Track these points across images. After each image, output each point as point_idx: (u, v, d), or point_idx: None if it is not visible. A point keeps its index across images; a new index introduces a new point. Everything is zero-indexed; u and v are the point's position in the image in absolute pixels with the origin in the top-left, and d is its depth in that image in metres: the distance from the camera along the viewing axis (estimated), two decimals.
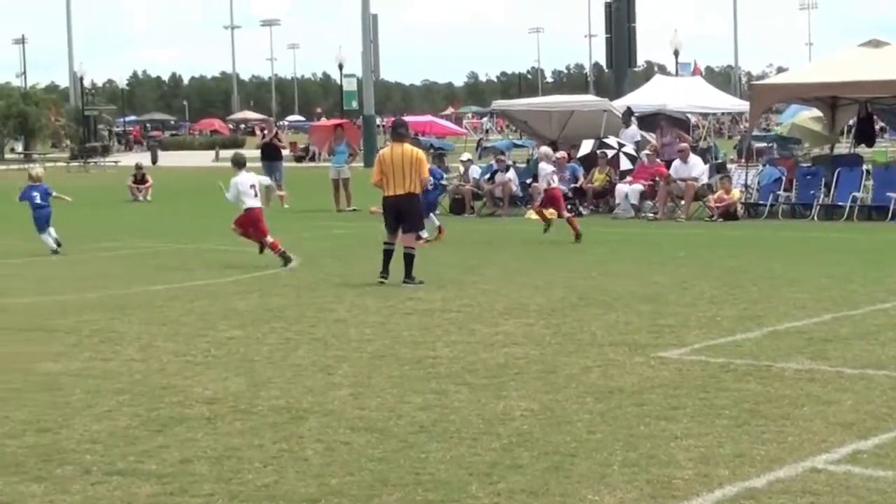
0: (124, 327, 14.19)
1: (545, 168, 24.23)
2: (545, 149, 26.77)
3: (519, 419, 9.34)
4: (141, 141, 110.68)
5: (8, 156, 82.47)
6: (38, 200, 23.31)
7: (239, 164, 20.83)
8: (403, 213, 17.68)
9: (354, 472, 8.04)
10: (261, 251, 20.52)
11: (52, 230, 23.24)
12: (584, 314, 14.39)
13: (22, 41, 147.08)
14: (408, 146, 18.18)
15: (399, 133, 18.30)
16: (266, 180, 21.79)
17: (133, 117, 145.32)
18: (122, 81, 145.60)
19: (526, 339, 12.85)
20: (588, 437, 8.78)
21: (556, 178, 24.42)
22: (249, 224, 20.46)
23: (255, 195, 20.33)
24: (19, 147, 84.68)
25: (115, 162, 70.22)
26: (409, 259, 17.49)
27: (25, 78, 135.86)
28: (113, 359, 12.28)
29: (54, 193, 23.83)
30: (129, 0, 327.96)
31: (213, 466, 8.24)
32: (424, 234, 22.50)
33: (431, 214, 24.70)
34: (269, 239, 20.34)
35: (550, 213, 23.88)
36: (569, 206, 29.70)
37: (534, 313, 14.51)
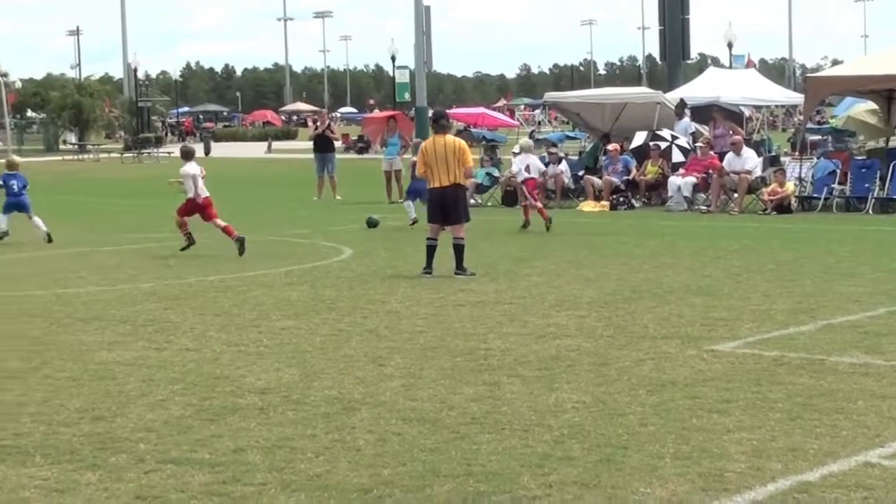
0: (178, 317, 14.28)
1: (520, 161, 25.57)
2: (525, 141, 28.22)
3: (571, 411, 9.34)
4: (193, 132, 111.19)
5: (62, 147, 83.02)
6: (15, 189, 24.06)
7: (188, 155, 22.09)
8: (448, 205, 17.68)
9: (406, 463, 8.06)
10: (185, 247, 21.15)
11: (37, 219, 23.82)
12: (637, 307, 14.36)
13: (77, 33, 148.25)
14: (450, 137, 18.23)
15: (440, 124, 18.32)
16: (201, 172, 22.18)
17: (186, 108, 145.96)
18: (175, 73, 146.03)
19: (578, 331, 12.84)
20: (640, 429, 8.77)
21: (535, 168, 25.80)
22: (195, 211, 21.37)
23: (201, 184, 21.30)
24: (72, 138, 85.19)
25: (169, 153, 70.51)
26: (459, 250, 17.50)
27: (80, 69, 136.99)
28: (167, 348, 12.36)
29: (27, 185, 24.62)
30: None
31: (265, 456, 8.28)
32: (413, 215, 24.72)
33: (410, 202, 25.53)
34: (222, 223, 21.24)
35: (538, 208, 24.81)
36: (621, 199, 29.73)
37: (586, 305, 14.49)
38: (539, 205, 25.19)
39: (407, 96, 68.92)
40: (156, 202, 36.07)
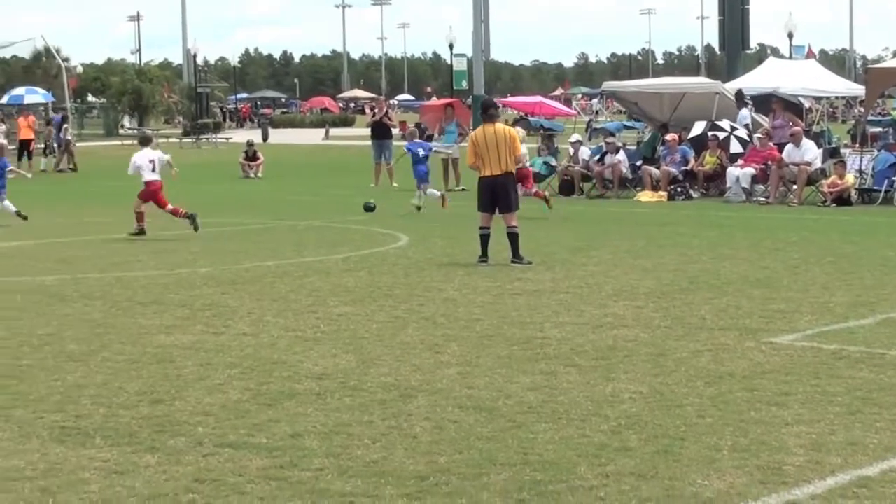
0: (236, 302, 14.35)
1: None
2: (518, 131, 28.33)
3: (628, 402, 9.31)
4: (251, 118, 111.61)
5: (122, 132, 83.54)
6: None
7: (143, 141, 23.49)
8: (499, 193, 17.69)
9: (463, 451, 8.06)
10: (137, 233, 21.77)
11: (8, 203, 24.64)
12: (695, 298, 14.30)
13: (137, 18, 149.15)
14: (500, 125, 18.23)
15: (489, 114, 18.32)
16: (166, 157, 23.18)
17: (244, 95, 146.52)
18: (234, 59, 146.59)
19: (635, 321, 12.80)
20: (698, 421, 8.74)
21: (526, 158, 26.15)
22: (149, 196, 22.14)
23: (154, 169, 22.25)
24: (129, 122, 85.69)
25: (227, 139, 70.88)
26: (514, 238, 17.49)
27: (140, 55, 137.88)
28: (224, 333, 12.42)
29: (11, 167, 25.85)
30: None
31: (322, 441, 8.31)
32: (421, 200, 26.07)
33: (423, 186, 26.64)
34: (170, 206, 22.18)
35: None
36: (679, 189, 29.60)
37: (643, 296, 14.44)
38: (534, 191, 25.71)
39: (464, 84, 68.94)
40: (214, 187, 36.30)
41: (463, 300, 14.35)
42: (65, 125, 47.76)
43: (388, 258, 18.45)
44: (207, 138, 71.58)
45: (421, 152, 27.43)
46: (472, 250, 17.90)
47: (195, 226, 21.79)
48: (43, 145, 48.89)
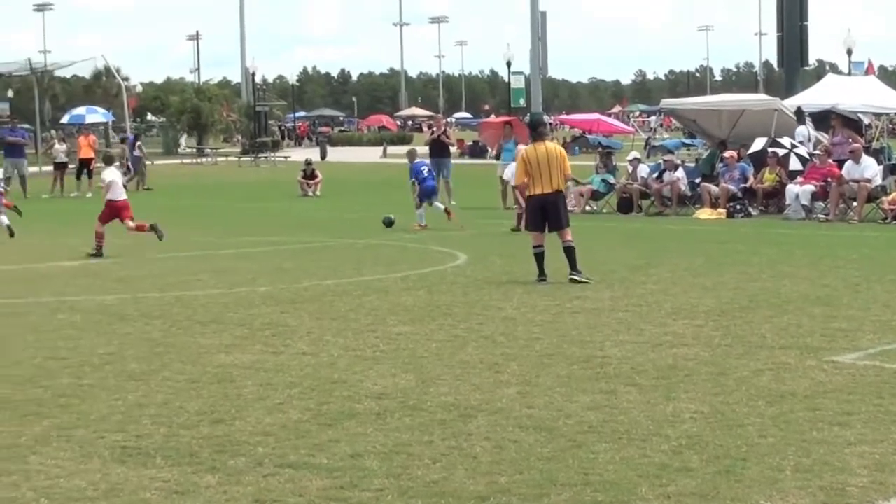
0: (295, 321, 14.38)
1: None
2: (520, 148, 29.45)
3: (689, 421, 9.26)
4: (309, 136, 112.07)
5: (181, 150, 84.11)
6: None
7: (108, 160, 23.88)
8: (550, 211, 17.73)
9: (523, 471, 8.04)
10: (95, 254, 21.88)
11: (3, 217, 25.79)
12: (755, 316, 14.21)
13: (196, 38, 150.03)
14: (550, 143, 18.31)
15: (539, 132, 18.41)
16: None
17: (302, 113, 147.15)
18: (292, 77, 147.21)
19: (695, 340, 12.73)
20: (759, 441, 8.67)
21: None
22: (114, 214, 22.40)
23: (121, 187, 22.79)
24: (185, 141, 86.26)
25: (285, 157, 71.22)
26: (570, 252, 17.48)
27: (199, 73, 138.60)
28: (284, 352, 12.45)
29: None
30: None
31: (382, 461, 8.30)
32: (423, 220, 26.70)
33: (424, 205, 27.37)
34: (132, 224, 22.51)
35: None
36: (738, 206, 29.44)
37: (703, 314, 14.37)
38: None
39: (522, 102, 69.00)
40: (272, 205, 36.45)
41: (522, 319, 14.32)
42: (138, 143, 48.10)
43: (447, 277, 18.46)
44: (266, 157, 71.97)
45: (425, 171, 28.03)
46: (530, 269, 17.86)
47: (159, 234, 22.43)
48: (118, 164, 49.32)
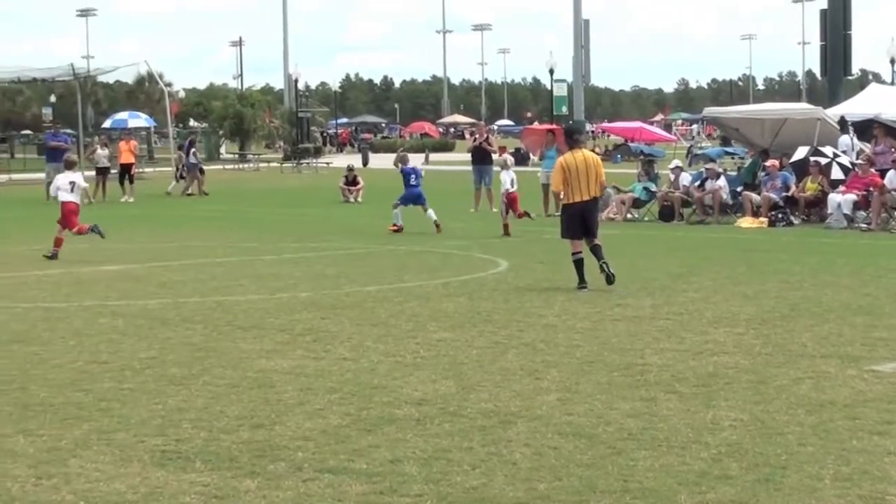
0: (335, 327, 14.42)
1: (505, 177, 27.83)
2: (504, 157, 30.49)
3: (728, 429, 9.23)
4: (351, 143, 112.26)
5: (223, 156, 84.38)
6: None
7: (68, 165, 24.55)
8: (588, 219, 17.83)
9: (562, 478, 8.04)
10: (51, 256, 22.39)
11: None
12: (796, 325, 14.15)
13: (239, 44, 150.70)
14: (587, 151, 18.39)
15: (576, 139, 18.49)
16: (84, 184, 24.50)
17: (345, 119, 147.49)
18: (335, 84, 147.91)
19: (736, 348, 12.69)
20: (799, 449, 8.64)
21: (514, 184, 27.81)
22: (67, 214, 23.08)
23: (71, 191, 23.30)
24: (227, 148, 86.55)
25: (327, 163, 71.35)
26: (598, 249, 17.63)
27: (242, 80, 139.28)
28: (324, 357, 12.48)
29: None
30: (343, 5, 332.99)
31: (422, 467, 8.32)
32: (400, 221, 27.79)
33: (401, 207, 28.48)
34: (75, 230, 23.00)
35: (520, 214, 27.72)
36: (779, 215, 29.32)
37: (744, 323, 14.32)
38: (507, 219, 27.40)
39: (564, 110, 68.96)
40: (314, 211, 36.53)
41: (562, 326, 14.32)
42: (192, 149, 48.31)
43: (488, 283, 18.46)
44: (308, 163, 72.07)
45: (412, 178, 29.05)
46: (571, 276, 17.83)
47: (100, 233, 23.18)
48: (175, 169, 49.66)
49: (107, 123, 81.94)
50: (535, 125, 71.15)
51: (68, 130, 50.52)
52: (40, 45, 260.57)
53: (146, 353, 12.76)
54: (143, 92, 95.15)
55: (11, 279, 19.74)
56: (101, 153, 44.80)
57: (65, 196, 23.30)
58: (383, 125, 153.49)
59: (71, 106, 78.17)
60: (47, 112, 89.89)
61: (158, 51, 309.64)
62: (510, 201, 27.61)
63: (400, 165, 29.28)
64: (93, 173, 45.43)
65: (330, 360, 12.30)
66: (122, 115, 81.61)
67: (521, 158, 71.88)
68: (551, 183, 18.43)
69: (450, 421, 9.67)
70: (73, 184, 23.49)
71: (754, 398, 10.29)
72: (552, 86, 79.77)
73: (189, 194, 46.06)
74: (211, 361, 12.31)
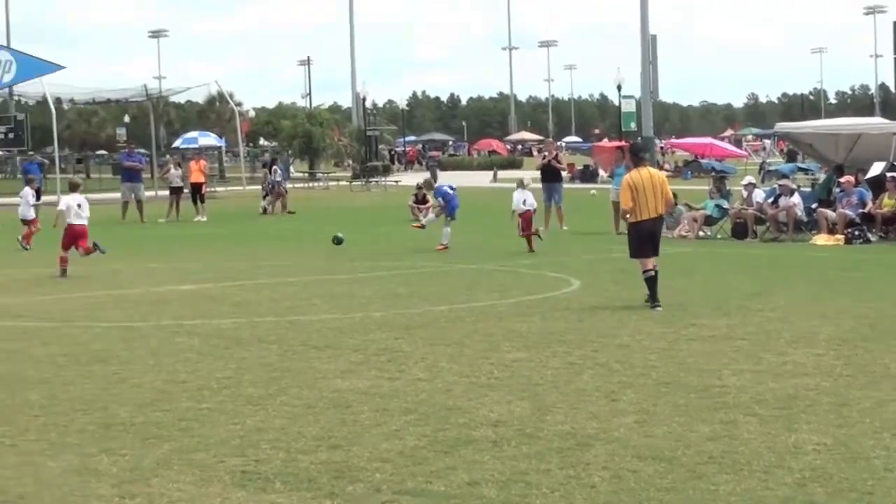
0: (409, 347, 14.39)
1: (517, 196, 28.07)
2: (521, 179, 30.30)
3: (812, 453, 9.11)
4: (419, 160, 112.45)
5: (293, 174, 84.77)
6: None
7: (72, 187, 24.99)
8: (657, 236, 17.83)
9: (642, 501, 7.96)
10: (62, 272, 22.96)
11: None
12: (877, 345, 13.96)
13: (307, 63, 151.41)
14: (652, 169, 18.33)
15: (641, 157, 18.44)
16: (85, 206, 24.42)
17: (412, 137, 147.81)
18: (402, 102, 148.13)
19: (816, 369, 12.54)
20: (885, 474, 8.50)
21: (529, 202, 28.19)
22: (73, 238, 23.45)
23: (79, 214, 23.62)
24: (296, 166, 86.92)
25: (396, 182, 71.51)
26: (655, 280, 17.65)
27: (310, 98, 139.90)
28: (399, 378, 12.46)
29: None
30: (410, 22, 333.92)
31: (500, 490, 8.27)
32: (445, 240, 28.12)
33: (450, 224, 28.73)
34: (81, 251, 23.53)
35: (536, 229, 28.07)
36: (856, 232, 29.00)
37: (823, 343, 14.15)
38: (533, 229, 27.95)
39: (633, 126, 68.64)
40: (384, 230, 36.57)
41: (637, 346, 14.21)
42: (274, 167, 48.59)
43: (560, 303, 18.38)
44: (377, 181, 72.30)
45: (450, 190, 29.71)
46: (645, 295, 17.70)
47: (101, 250, 23.76)
48: (261, 188, 50.14)
49: (178, 142, 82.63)
50: (605, 142, 70.92)
51: (142, 150, 50.94)
52: (114, 66, 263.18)
53: (223, 373, 12.79)
54: (214, 111, 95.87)
55: (89, 299, 19.89)
56: (175, 173, 45.15)
57: (74, 219, 23.67)
58: (451, 143, 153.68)
59: (144, 126, 79.10)
60: (121, 132, 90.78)
61: (228, 70, 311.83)
62: (524, 221, 27.97)
63: (433, 192, 29.61)
64: (166, 192, 45.86)
65: (405, 381, 12.28)
66: (193, 133, 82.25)
67: (589, 175, 71.99)
68: (620, 201, 18.35)
69: (527, 443, 9.61)
70: (80, 206, 23.86)
71: (837, 421, 10.15)
72: (620, 102, 79.44)
73: (273, 212, 46.17)
74: (287, 381, 12.32)
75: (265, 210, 46.73)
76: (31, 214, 30.79)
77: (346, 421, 10.48)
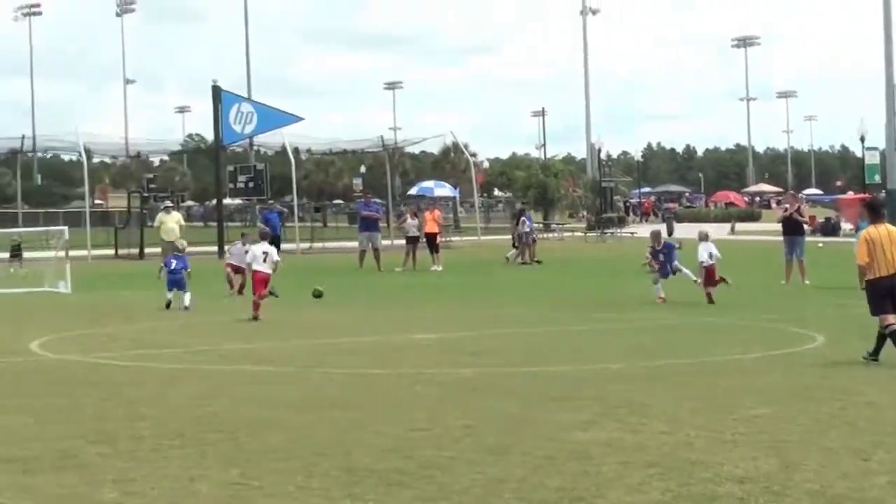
0: (649, 399, 14.19)
1: (702, 249, 28.33)
2: (705, 231, 30.06)
3: None
4: (654, 212, 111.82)
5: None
6: (173, 266, 28.16)
7: (262, 236, 26.94)
8: (895, 291, 17.27)
9: None
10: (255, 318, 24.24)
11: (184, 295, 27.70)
12: None
13: (541, 114, 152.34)
14: (889, 226, 17.80)
15: (880, 213, 18.06)
16: (276, 256, 26.06)
17: (647, 189, 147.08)
18: (636, 153, 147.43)
19: None
20: None
21: (713, 257, 28.18)
22: (258, 283, 25.10)
23: (264, 261, 25.26)
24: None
25: (631, 233, 71.18)
26: (887, 338, 17.14)
27: (545, 149, 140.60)
28: (641, 431, 12.29)
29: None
30: (644, 74, 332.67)
31: None
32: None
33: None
34: (256, 296, 24.87)
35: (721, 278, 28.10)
36: None
37: None
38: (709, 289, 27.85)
39: (877, 178, 67.16)
40: (622, 281, 36.34)
41: (887, 404, 13.76)
42: (522, 218, 48.97)
43: (805, 358, 17.97)
44: (612, 232, 72.10)
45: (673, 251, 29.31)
46: (891, 352, 17.19)
47: (275, 294, 25.23)
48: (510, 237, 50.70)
49: (413, 190, 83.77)
50: (850, 195, 69.38)
51: (377, 199, 51.81)
52: (350, 117, 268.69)
53: (462, 422, 12.79)
54: (449, 162, 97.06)
55: (327, 345, 20.22)
56: (411, 223, 45.73)
57: (258, 265, 25.27)
58: (686, 194, 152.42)
59: (380, 176, 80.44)
60: (358, 182, 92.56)
61: (462, 121, 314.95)
62: (707, 274, 27.94)
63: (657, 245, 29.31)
64: (403, 242, 46.50)
65: (647, 434, 12.10)
66: (428, 183, 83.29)
67: (831, 229, 70.50)
68: (856, 256, 17.96)
69: (774, 501, 9.36)
70: (265, 254, 25.41)
71: None
72: (863, 153, 77.85)
73: (523, 263, 46.33)
74: (526, 432, 12.26)
75: (508, 259, 46.86)
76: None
77: (589, 473, 10.36)
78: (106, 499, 9.67)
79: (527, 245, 47.56)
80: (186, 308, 26.78)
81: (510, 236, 50.83)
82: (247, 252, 27.09)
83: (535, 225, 59.58)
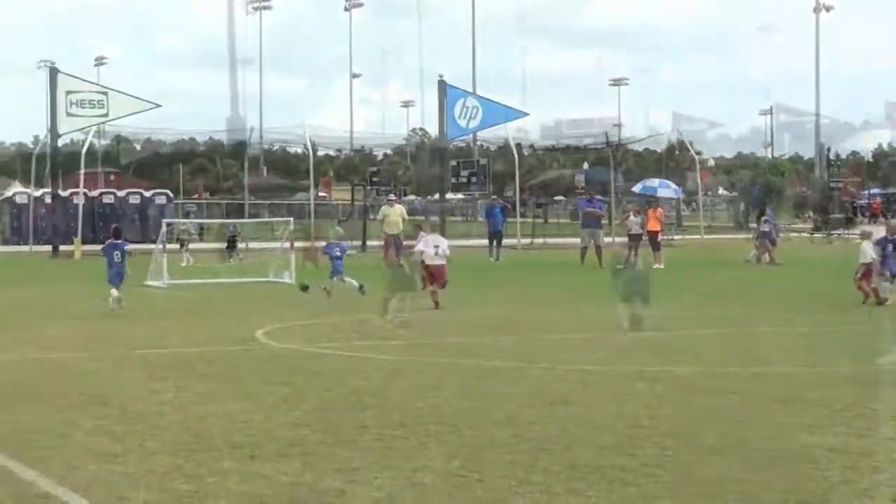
0: (878, 404, 13.85)
1: (866, 247, 27.27)
2: (868, 231, 29.38)
3: None
4: (884, 213, 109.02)
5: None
6: (336, 253, 29.09)
7: (433, 229, 28.89)
8: None
9: None
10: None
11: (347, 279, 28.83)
12: None
13: (769, 112, 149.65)
14: None
15: None
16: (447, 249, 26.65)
17: (877, 190, 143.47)
18: (867, 153, 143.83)
19: None
20: None
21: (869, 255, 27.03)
22: (438, 275, 25.92)
23: (436, 254, 26.01)
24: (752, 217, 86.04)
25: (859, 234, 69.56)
26: None
27: (772, 148, 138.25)
28: (868, 435, 12.00)
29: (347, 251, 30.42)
30: (871, 69, 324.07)
31: None
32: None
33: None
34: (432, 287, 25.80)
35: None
36: None
37: None
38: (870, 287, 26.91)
39: None
40: (846, 282, 35.51)
41: None
42: (763, 218, 48.28)
43: None
44: (839, 233, 70.56)
45: (337, 252, 29.38)
46: None
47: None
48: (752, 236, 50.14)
49: (637, 188, 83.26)
50: None
51: (600, 196, 51.63)
52: (574, 113, 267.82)
53: (684, 421, 12.70)
54: (673, 160, 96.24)
55: (549, 341, 20.27)
56: (634, 220, 45.40)
57: (429, 259, 26.07)
58: None
59: (602, 173, 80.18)
60: (580, 178, 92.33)
61: (686, 118, 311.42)
62: (865, 273, 27.13)
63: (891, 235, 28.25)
64: (625, 239, 46.31)
65: (874, 439, 11.82)
66: (653, 181, 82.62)
67: None
68: None
69: None
70: (437, 247, 26.19)
71: None
72: None
73: (769, 263, 45.46)
74: (748, 432, 12.10)
75: (748, 261, 45.99)
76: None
77: (815, 476, 10.18)
78: (330, 487, 9.85)
79: (766, 244, 46.31)
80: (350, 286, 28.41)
81: (752, 236, 49.88)
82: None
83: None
